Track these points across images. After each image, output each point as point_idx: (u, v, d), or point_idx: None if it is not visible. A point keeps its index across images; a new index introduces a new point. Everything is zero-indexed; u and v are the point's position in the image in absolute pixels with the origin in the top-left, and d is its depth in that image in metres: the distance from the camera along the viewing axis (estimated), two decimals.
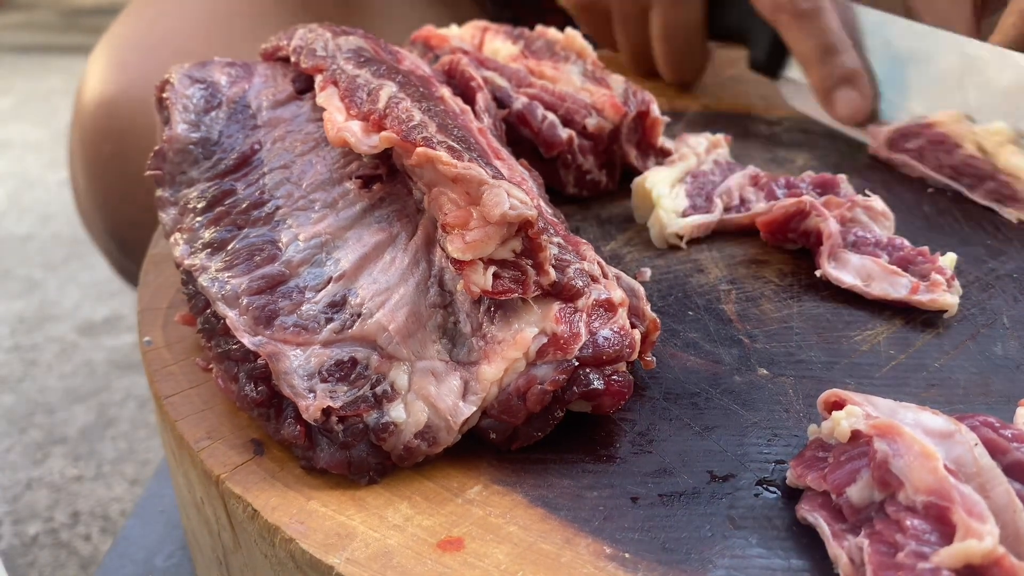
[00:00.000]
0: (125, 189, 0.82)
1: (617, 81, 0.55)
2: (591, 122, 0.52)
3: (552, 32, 0.59)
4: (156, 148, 0.41)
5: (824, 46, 0.61)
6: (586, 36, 0.60)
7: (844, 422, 0.30)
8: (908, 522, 0.27)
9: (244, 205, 0.39)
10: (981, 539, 0.25)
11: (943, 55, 0.57)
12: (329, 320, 0.34)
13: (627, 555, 0.29)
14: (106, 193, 0.84)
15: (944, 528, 0.26)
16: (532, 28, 0.60)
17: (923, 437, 0.28)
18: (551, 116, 0.52)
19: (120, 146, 0.81)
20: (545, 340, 0.33)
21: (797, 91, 0.66)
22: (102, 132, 0.81)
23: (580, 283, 0.34)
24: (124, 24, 0.88)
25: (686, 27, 0.70)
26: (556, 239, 0.36)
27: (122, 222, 0.85)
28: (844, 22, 0.62)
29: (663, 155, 0.55)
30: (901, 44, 0.60)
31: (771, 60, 0.68)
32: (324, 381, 0.32)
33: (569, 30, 0.59)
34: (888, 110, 0.61)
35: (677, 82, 0.74)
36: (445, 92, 0.46)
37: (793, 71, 0.66)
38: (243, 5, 0.87)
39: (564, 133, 0.52)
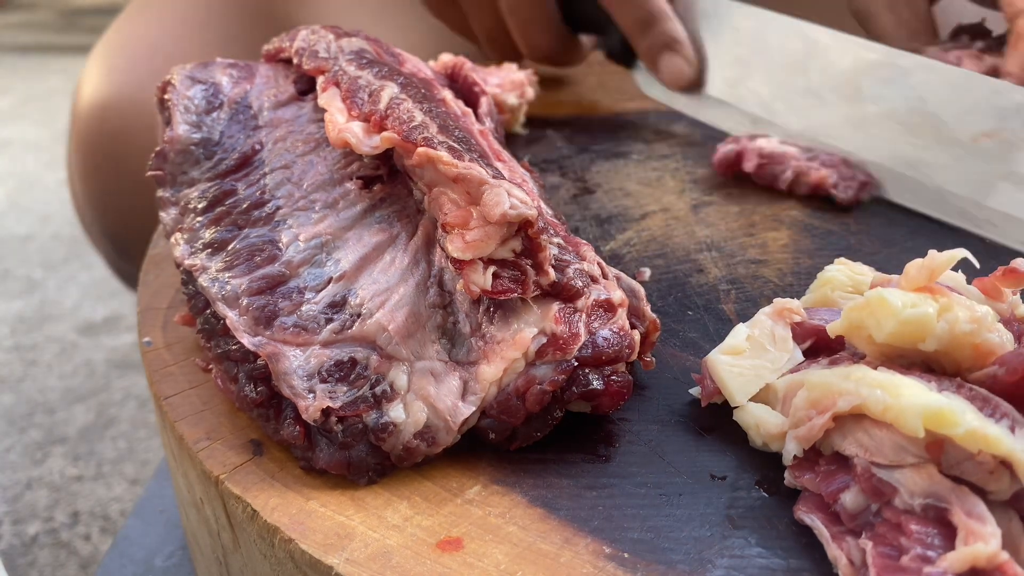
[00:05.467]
0: (120, 192, 0.83)
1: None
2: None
3: None
4: (157, 148, 0.41)
5: (645, 16, 0.63)
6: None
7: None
8: (910, 525, 0.26)
9: (245, 205, 0.39)
10: (987, 542, 0.25)
11: (786, 37, 0.59)
12: (329, 320, 0.34)
13: (626, 555, 0.29)
14: (102, 196, 0.84)
15: (946, 530, 0.26)
16: None
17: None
18: None
19: (115, 149, 0.81)
20: (544, 340, 0.33)
21: (650, 80, 0.67)
22: (97, 136, 0.82)
23: (580, 283, 0.34)
24: (119, 30, 0.88)
25: None
26: (556, 239, 0.36)
27: (118, 225, 0.85)
28: (684, 6, 0.64)
29: None
30: (744, 26, 0.62)
31: (625, 49, 0.67)
32: (324, 381, 0.32)
33: None
34: (730, 89, 0.62)
35: (539, 61, 0.71)
36: (447, 94, 0.46)
37: None
38: (237, 10, 0.87)
39: None
